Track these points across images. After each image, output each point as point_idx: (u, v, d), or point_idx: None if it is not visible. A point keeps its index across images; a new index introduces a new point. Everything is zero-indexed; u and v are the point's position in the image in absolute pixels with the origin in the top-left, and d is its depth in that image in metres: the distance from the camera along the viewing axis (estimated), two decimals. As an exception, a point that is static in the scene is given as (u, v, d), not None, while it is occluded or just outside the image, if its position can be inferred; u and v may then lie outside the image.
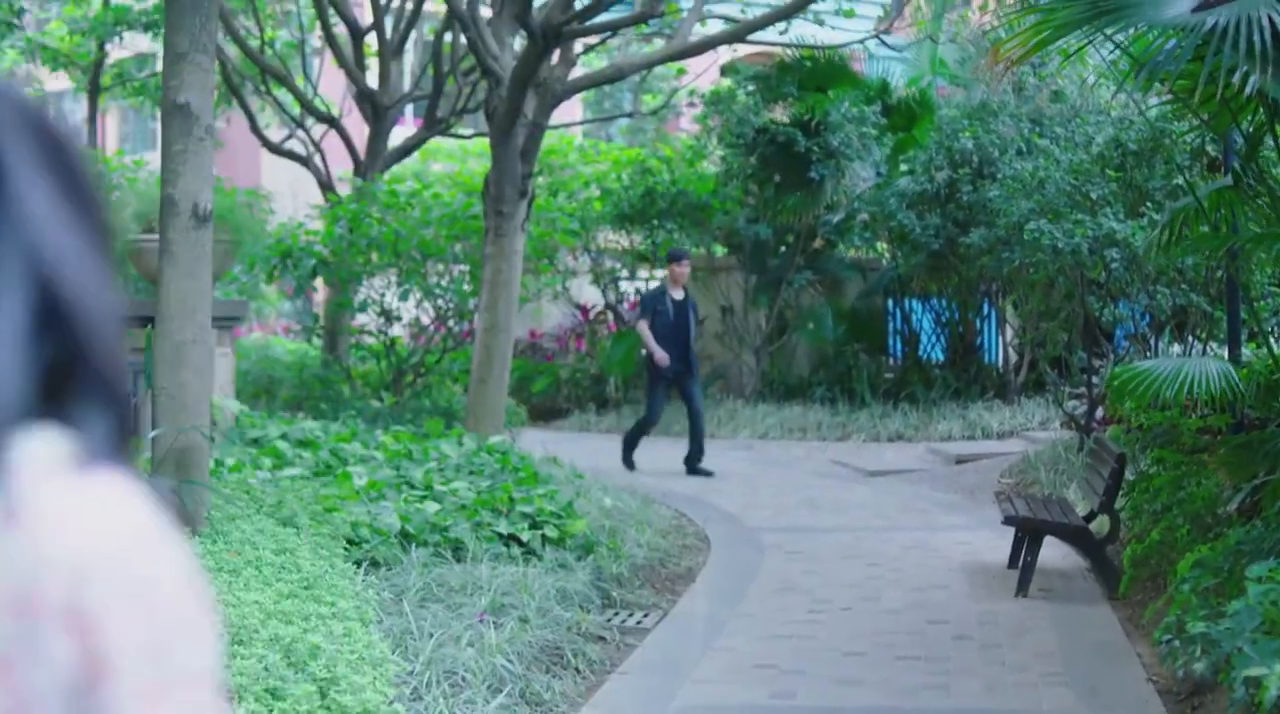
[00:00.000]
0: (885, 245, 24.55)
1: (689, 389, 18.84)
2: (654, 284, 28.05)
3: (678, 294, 18.68)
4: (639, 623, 10.43)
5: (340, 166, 26.42)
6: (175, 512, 8.61)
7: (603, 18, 17.39)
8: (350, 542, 9.91)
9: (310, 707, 5.68)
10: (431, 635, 8.23)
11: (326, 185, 24.88)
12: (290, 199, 28.16)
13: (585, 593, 10.23)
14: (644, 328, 18.61)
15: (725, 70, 25.98)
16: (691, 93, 27.26)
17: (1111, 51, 9.55)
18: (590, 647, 9.32)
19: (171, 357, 8.68)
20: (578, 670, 8.92)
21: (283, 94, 27.20)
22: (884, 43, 20.44)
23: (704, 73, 26.29)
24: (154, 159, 36.39)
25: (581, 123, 31.40)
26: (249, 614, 6.65)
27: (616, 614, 10.57)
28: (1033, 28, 8.61)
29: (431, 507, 11.27)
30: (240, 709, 5.44)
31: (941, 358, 24.17)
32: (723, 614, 10.90)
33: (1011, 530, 12.18)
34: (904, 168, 22.85)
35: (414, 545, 10.43)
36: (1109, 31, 8.44)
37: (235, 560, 7.83)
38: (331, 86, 29.14)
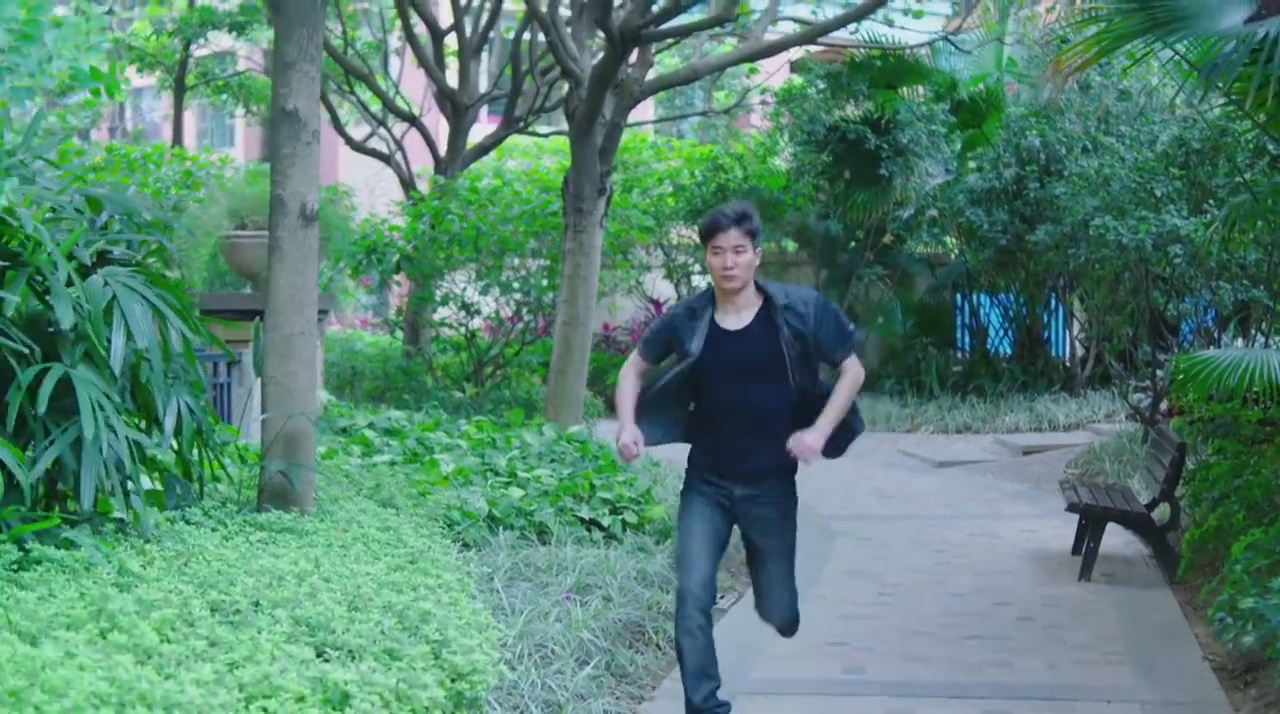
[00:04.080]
0: (953, 241, 24.90)
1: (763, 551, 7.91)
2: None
3: (735, 318, 7.45)
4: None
5: (419, 164, 27.01)
6: (285, 492, 9.15)
7: (679, 20, 17.84)
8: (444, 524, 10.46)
9: (425, 665, 6.21)
10: (521, 612, 8.73)
11: (408, 182, 25.44)
12: (367, 195, 28.79)
13: (664, 575, 10.63)
14: (623, 388, 7.73)
15: (796, 67, 26.34)
16: (763, 90, 27.69)
17: (1171, 57, 9.90)
18: (670, 625, 9.76)
19: (281, 347, 9.23)
20: (658, 646, 9.38)
21: (363, 92, 27.76)
22: (953, 44, 20.80)
23: (776, 72, 26.74)
24: (236, 155, 37.04)
25: (655, 121, 31.86)
26: (363, 584, 7.18)
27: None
28: (1093, 38, 9.03)
29: (516, 492, 11.81)
30: (361, 667, 5.96)
31: (1009, 351, 24.50)
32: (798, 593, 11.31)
33: (1075, 518, 12.60)
34: (972, 165, 23.17)
35: (501, 528, 10.97)
36: (1167, 41, 8.84)
37: (343, 537, 8.37)
38: (411, 85, 29.69)
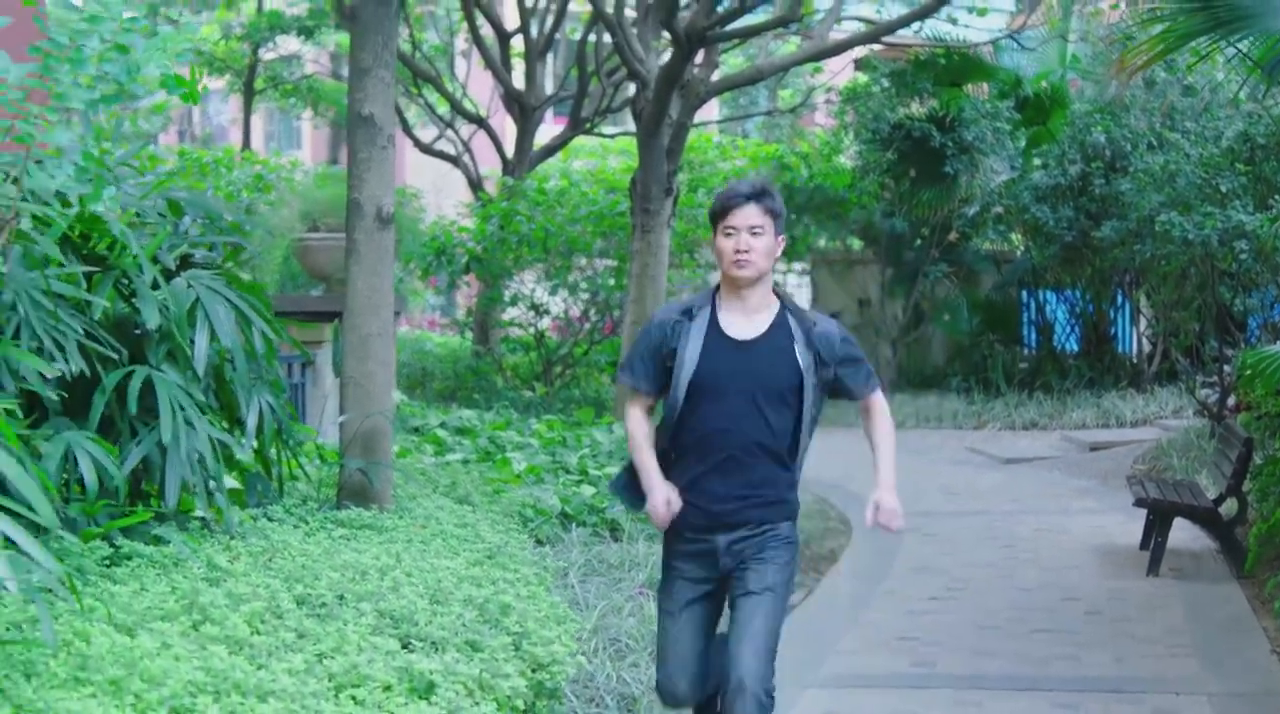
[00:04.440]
0: (1019, 237, 24.93)
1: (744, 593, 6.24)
2: (790, 279, 28.60)
3: (745, 323, 6.23)
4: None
5: (486, 165, 27.20)
6: (364, 489, 9.35)
7: (744, 21, 17.96)
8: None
9: (506, 656, 6.40)
10: (595, 606, 8.89)
11: (476, 184, 25.65)
12: (434, 197, 29.04)
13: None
14: (633, 435, 6.40)
15: (860, 65, 26.42)
16: (827, 89, 27.77)
17: (1236, 54, 9.97)
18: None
19: (359, 348, 9.44)
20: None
21: (430, 95, 27.99)
22: (1017, 41, 20.82)
23: (840, 71, 26.81)
24: (303, 157, 37.36)
25: (720, 121, 31.95)
26: (444, 578, 7.37)
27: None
28: (1157, 37, 9.12)
29: (588, 490, 11.98)
30: (445, 658, 6.15)
31: (1076, 348, 24.52)
32: (865, 592, 11.45)
33: (1143, 513, 12.65)
34: (1037, 162, 23.19)
35: (574, 525, 11.15)
36: (1230, 40, 8.93)
37: (422, 533, 8.56)
38: (478, 88, 29.90)
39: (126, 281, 7.86)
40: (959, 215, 24.21)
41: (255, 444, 8.63)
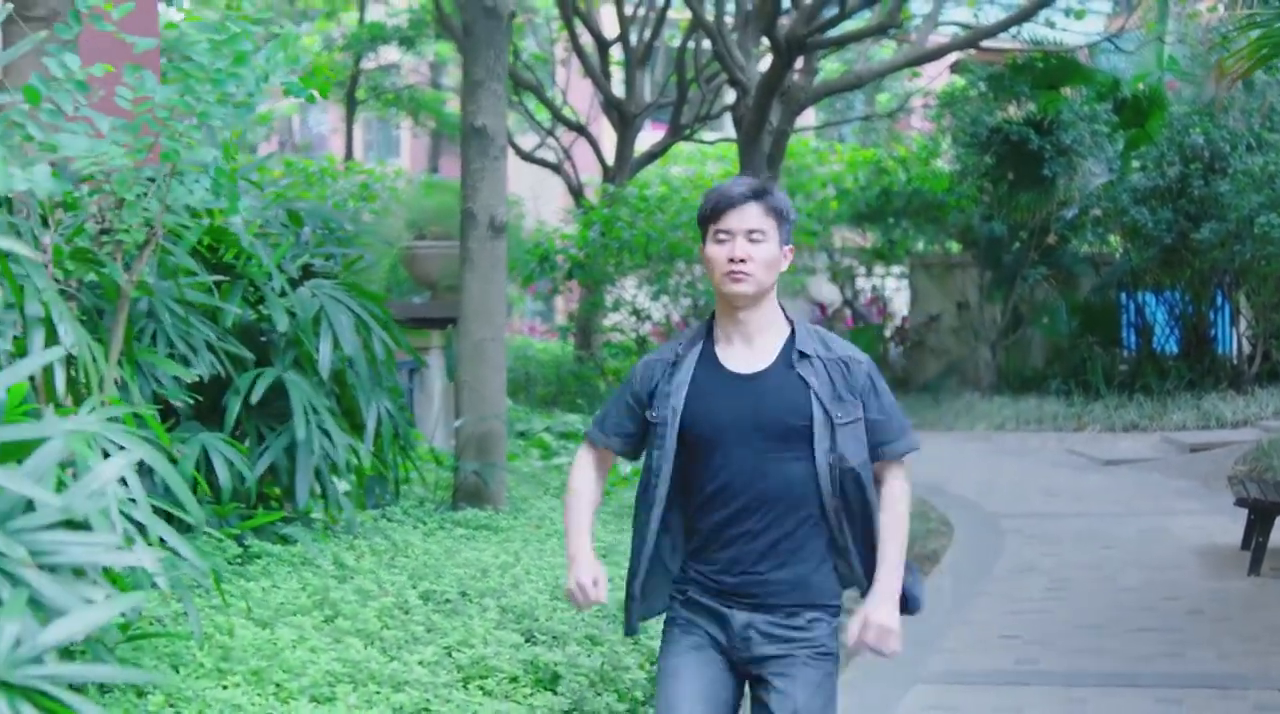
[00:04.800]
0: (1117, 239, 24.92)
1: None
2: (889, 283, 28.66)
3: (747, 353, 5.05)
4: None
5: (587, 172, 27.45)
6: (480, 491, 9.63)
7: (843, 27, 18.15)
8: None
9: (626, 649, 6.64)
10: (704, 604, 9.10)
11: (576, 191, 25.92)
12: (533, 203, 29.34)
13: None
14: (572, 492, 5.22)
15: (957, 69, 26.51)
16: (925, 93, 27.86)
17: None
18: (847, 619, 10.10)
19: (472, 353, 9.73)
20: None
21: (530, 102, 28.29)
22: (1115, 44, 20.86)
23: (937, 75, 26.89)
24: (403, 165, 37.75)
25: (817, 127, 32.07)
26: (561, 575, 7.62)
27: (869, 592, 11.32)
28: (1255, 43, 9.24)
29: (693, 490, 12.17)
30: (568, 650, 6.41)
31: (1175, 350, 24.49)
32: (967, 592, 11.59)
33: (1244, 514, 12.72)
34: (1135, 164, 23.20)
35: (681, 525, 11.35)
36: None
37: (537, 533, 8.82)
38: (578, 96, 30.18)
39: (253, 290, 8.17)
40: (1057, 218, 24.24)
41: (374, 447, 8.92)
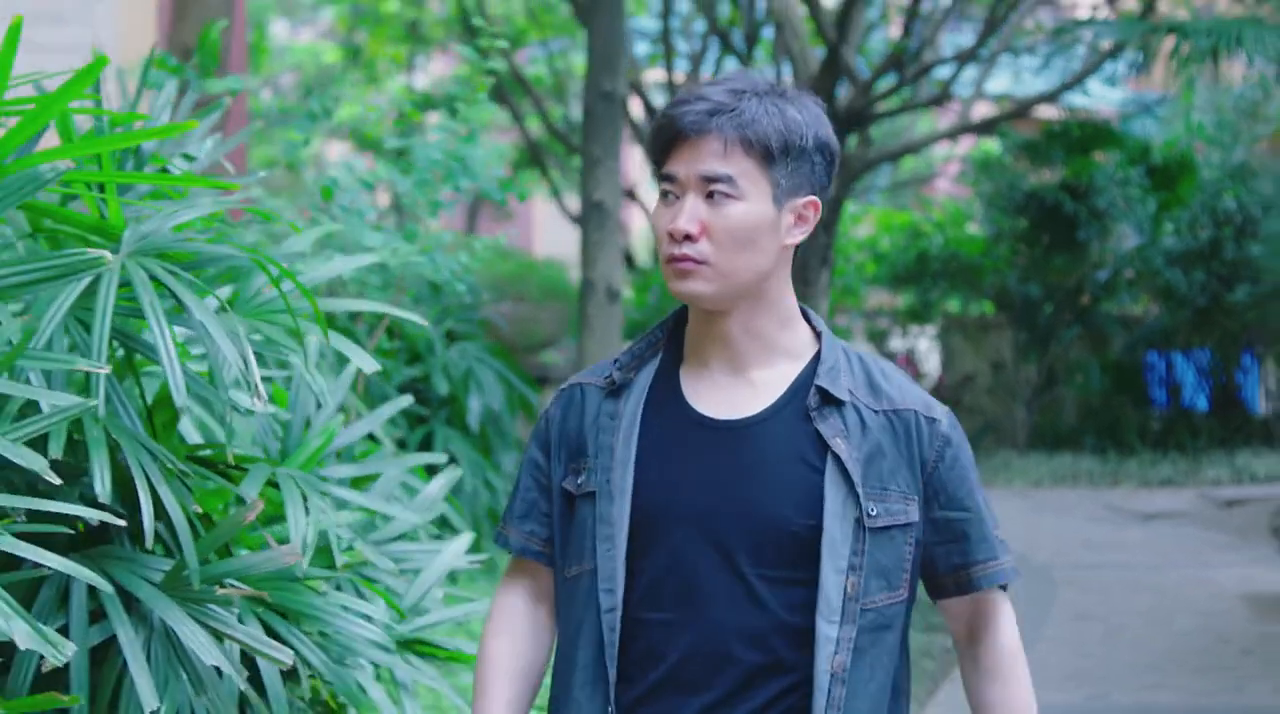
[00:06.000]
0: (1147, 300, 25.57)
1: None
2: (920, 343, 29.37)
3: (731, 387, 3.02)
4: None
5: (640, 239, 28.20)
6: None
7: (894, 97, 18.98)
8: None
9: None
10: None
11: (628, 256, 26.73)
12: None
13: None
14: (493, 626, 3.12)
15: (989, 131, 27.19)
16: (949, 158, 28.61)
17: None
18: (925, 661, 10.82)
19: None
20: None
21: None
22: (1151, 111, 21.61)
23: (963, 139, 27.63)
24: (437, 225, 38.48)
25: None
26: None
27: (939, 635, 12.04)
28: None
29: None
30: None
31: (1206, 407, 25.11)
32: (1030, 637, 12.12)
33: (1284, 563, 13.45)
34: (1169, 227, 23.90)
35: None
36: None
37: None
38: (631, 162, 30.93)
39: (409, 351, 9.00)
40: (1091, 280, 24.89)
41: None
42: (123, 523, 3.10)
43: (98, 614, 3.20)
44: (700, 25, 26.31)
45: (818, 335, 3.10)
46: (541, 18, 23.84)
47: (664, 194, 2.97)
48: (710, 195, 2.91)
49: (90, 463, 3.06)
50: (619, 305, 10.50)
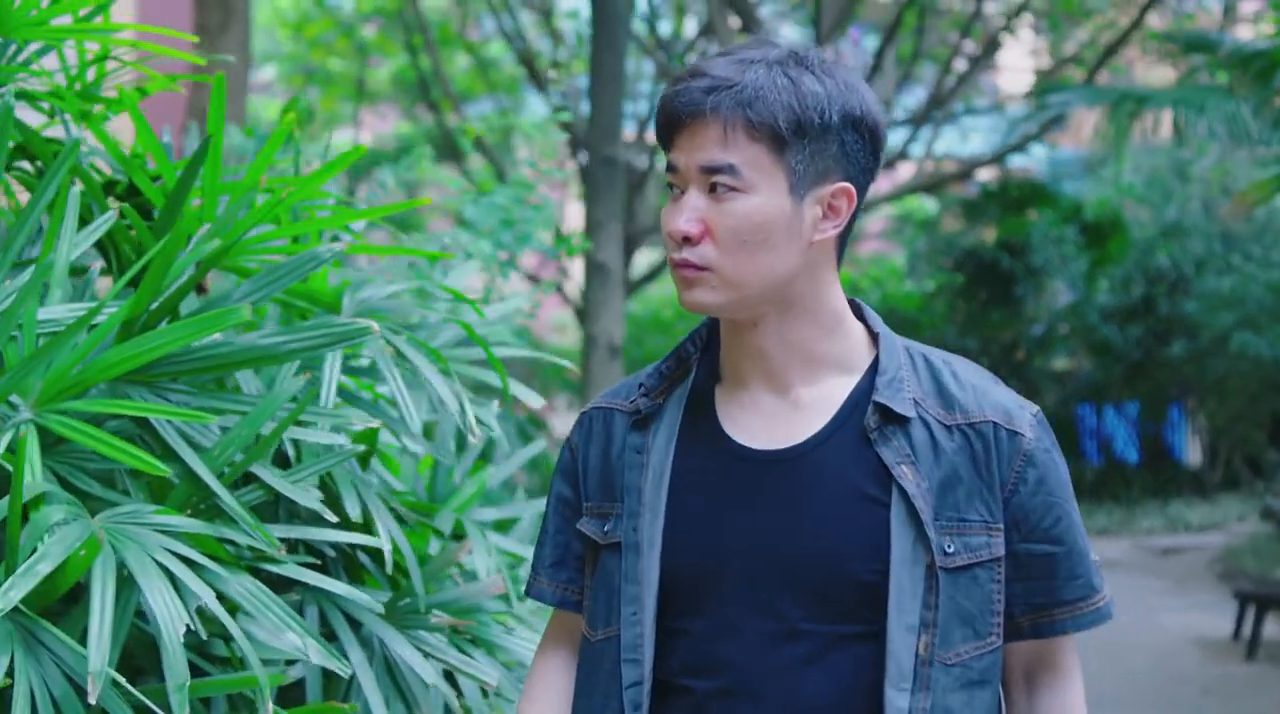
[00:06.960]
0: (1082, 355, 26.19)
1: None
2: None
3: (775, 410, 2.60)
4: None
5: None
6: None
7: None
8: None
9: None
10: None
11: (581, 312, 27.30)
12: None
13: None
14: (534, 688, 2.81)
15: (936, 189, 27.62)
16: (882, 214, 29.21)
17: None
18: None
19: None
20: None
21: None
22: (1093, 169, 22.20)
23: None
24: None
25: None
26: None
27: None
28: (1270, 180, 10.67)
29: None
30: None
31: (1137, 459, 25.72)
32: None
33: (1228, 609, 13.94)
34: (1103, 283, 24.54)
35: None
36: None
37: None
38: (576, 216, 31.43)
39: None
40: (1026, 335, 25.50)
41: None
42: (388, 547, 3.50)
43: (329, 636, 3.61)
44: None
45: (874, 338, 2.63)
46: (490, 75, 24.39)
47: (669, 187, 2.53)
48: (713, 188, 2.46)
49: (342, 502, 3.51)
50: (619, 359, 11.01)
